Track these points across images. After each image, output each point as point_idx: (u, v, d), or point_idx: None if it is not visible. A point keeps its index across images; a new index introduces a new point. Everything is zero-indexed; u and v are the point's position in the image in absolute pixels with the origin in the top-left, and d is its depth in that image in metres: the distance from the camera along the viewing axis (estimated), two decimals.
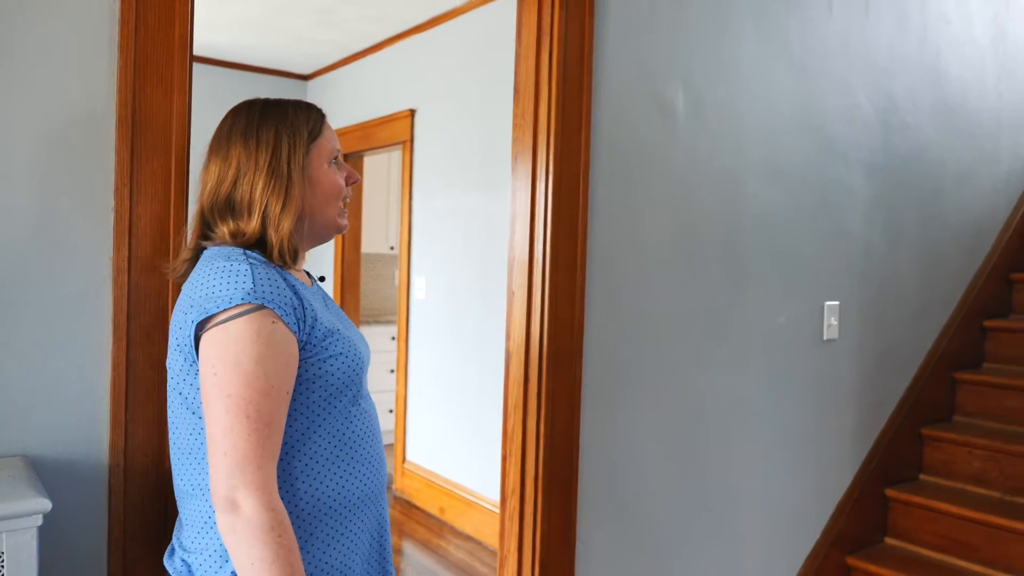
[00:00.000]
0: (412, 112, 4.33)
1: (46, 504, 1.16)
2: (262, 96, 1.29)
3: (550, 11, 1.91)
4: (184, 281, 1.25)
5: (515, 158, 1.99)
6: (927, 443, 3.04)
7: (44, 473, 1.34)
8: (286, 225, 1.17)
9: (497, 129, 3.60)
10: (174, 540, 1.22)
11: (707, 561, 2.34)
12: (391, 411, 5.26)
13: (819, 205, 2.60)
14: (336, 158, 1.28)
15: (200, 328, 1.10)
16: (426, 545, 3.83)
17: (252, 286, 1.09)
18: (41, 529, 1.18)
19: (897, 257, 2.92)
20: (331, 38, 4.49)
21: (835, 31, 2.62)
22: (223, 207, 1.19)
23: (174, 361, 1.17)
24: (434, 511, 4.19)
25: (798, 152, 2.52)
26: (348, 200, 1.31)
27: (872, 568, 2.72)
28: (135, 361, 1.41)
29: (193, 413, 1.15)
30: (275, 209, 1.17)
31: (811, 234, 2.58)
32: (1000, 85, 3.35)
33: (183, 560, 1.17)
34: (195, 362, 1.13)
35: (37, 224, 1.34)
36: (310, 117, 1.25)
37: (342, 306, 5.01)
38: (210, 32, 4.40)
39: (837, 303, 2.68)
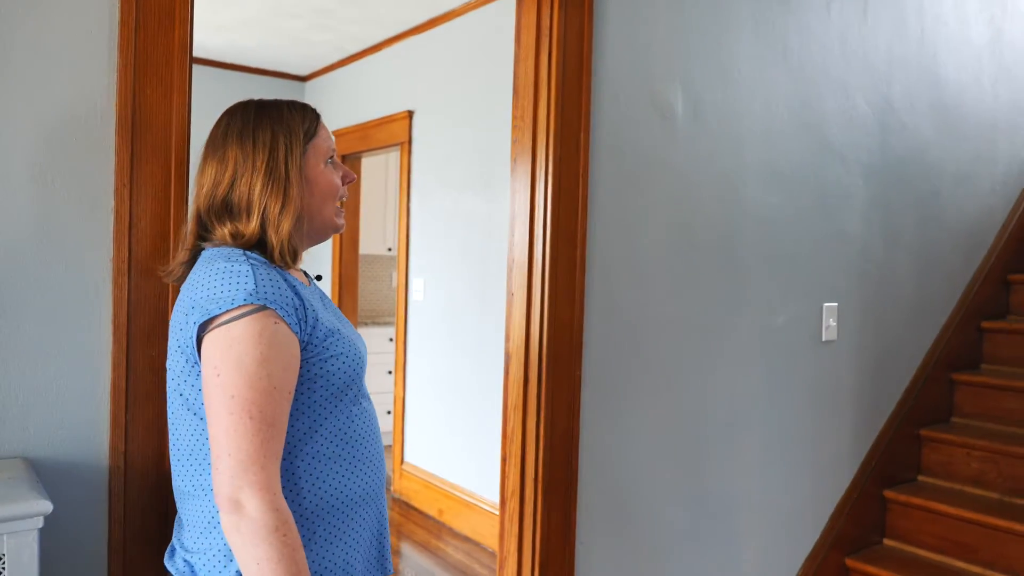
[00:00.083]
0: (410, 113, 4.33)
1: (47, 506, 1.16)
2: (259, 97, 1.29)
3: (549, 12, 1.91)
4: (181, 283, 1.25)
5: (514, 159, 1.99)
6: (926, 444, 3.04)
7: (44, 475, 1.34)
8: (286, 226, 1.17)
9: (495, 130, 3.60)
10: (174, 540, 1.22)
11: (706, 562, 2.34)
12: (389, 412, 5.26)
13: (817, 206, 2.60)
14: (332, 158, 1.28)
15: (202, 329, 1.10)
16: (424, 546, 3.83)
17: (254, 287, 1.09)
18: (42, 531, 1.18)
19: (895, 258, 2.93)
20: (329, 39, 4.49)
21: (833, 33, 2.62)
22: (221, 209, 1.19)
23: (175, 362, 1.17)
24: (432, 512, 4.19)
25: (796, 153, 2.52)
26: (344, 199, 1.31)
27: (871, 569, 2.72)
28: (135, 362, 1.41)
29: (194, 414, 1.15)
30: (274, 210, 1.17)
31: (809, 235, 2.58)
32: (997, 86, 3.36)
33: (185, 560, 1.17)
34: (197, 363, 1.13)
35: (37, 225, 1.34)
36: (305, 117, 1.25)
37: (340, 307, 5.00)
38: (208, 33, 4.40)
39: (836, 304, 2.69)
